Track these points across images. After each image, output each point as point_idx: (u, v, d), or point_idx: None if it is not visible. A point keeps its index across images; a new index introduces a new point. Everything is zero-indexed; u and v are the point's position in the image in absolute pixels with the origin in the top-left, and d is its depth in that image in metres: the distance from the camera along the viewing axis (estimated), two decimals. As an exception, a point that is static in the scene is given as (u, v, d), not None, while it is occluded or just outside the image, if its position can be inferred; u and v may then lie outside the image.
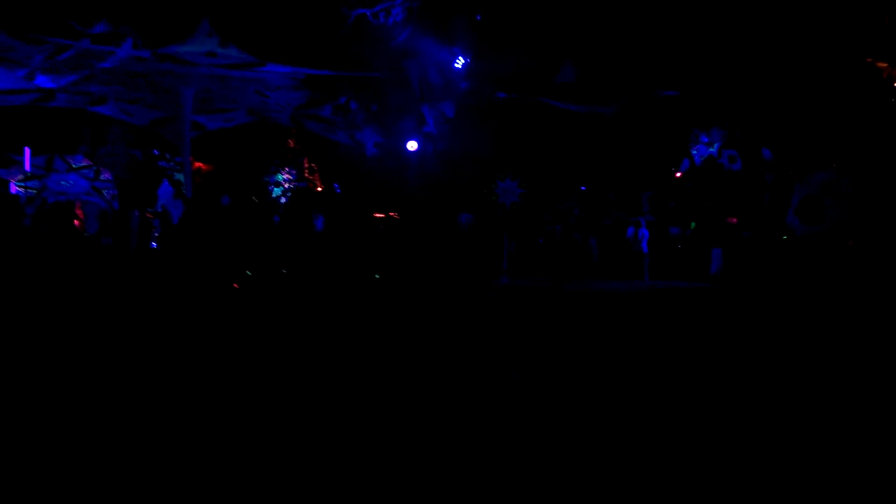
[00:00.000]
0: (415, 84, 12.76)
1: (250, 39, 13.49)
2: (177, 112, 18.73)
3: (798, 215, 20.13)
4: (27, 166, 23.68)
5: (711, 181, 25.46)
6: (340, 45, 13.83)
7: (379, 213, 18.20)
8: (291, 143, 28.51)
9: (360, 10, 10.90)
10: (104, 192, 25.73)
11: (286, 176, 29.17)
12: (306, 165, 29.03)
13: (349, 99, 17.19)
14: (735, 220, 24.46)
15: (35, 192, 24.55)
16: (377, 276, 13.65)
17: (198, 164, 25.41)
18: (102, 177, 25.70)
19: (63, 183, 25.01)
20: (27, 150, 23.17)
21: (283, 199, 29.04)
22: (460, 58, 9.44)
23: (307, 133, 25.50)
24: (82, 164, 25.11)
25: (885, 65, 13.47)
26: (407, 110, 15.32)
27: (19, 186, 24.43)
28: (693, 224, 21.23)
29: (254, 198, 24.47)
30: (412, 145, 16.27)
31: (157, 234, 23.27)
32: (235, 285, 12.94)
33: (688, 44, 13.71)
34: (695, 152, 23.63)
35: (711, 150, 25.02)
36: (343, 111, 17.55)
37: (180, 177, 25.64)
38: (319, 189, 29.66)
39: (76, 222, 23.39)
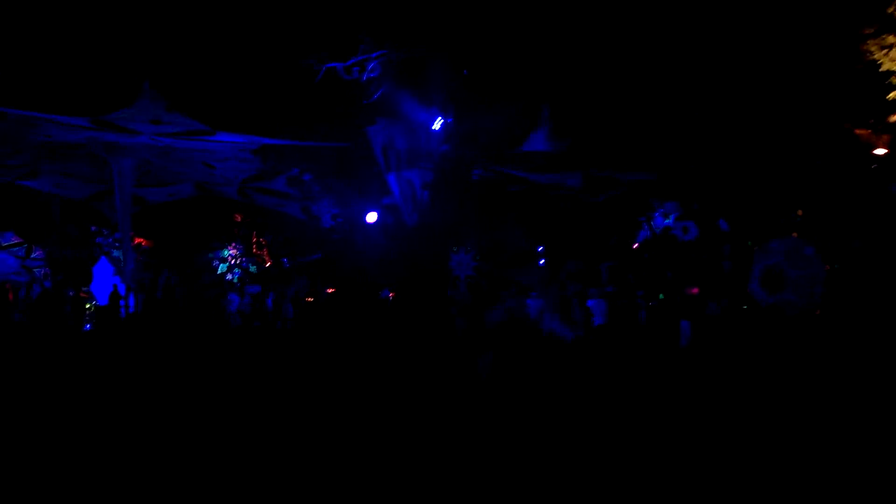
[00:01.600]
0: (377, 151, 12.09)
1: (200, 104, 12.61)
2: (116, 186, 17.50)
3: (762, 285, 19.99)
4: (-49, 245, 21.93)
5: (668, 252, 25.38)
6: (300, 107, 13.09)
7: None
8: (238, 218, 27.48)
9: (331, 63, 10.26)
10: (35, 270, 23.99)
11: (232, 251, 27.98)
12: (254, 240, 27.94)
13: (303, 170, 16.36)
14: (696, 290, 24.23)
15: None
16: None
17: (138, 240, 24.00)
18: (34, 255, 24.05)
19: (-9, 262, 23.23)
20: (-48, 228, 21.51)
21: (228, 276, 27.75)
22: (439, 118, 8.84)
23: (255, 207, 24.52)
24: (12, 242, 23.48)
25: (865, 132, 13.59)
26: (367, 180, 14.61)
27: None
28: (661, 296, 20.84)
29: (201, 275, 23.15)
30: (372, 217, 15.46)
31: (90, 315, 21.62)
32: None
33: (655, 116, 13.62)
34: (651, 223, 23.60)
35: (667, 221, 25.06)
36: (297, 183, 16.68)
37: (117, 254, 24.24)
38: (268, 264, 28.48)
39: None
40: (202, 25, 12.42)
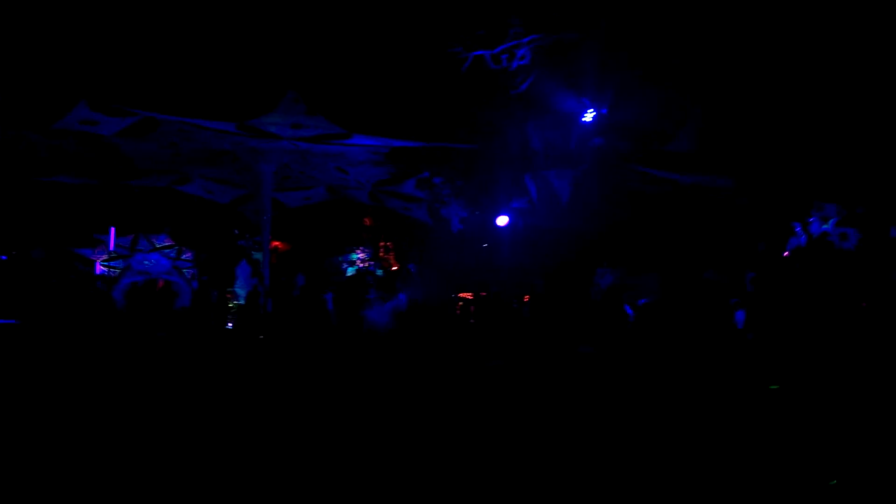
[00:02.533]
0: (514, 151, 11.64)
1: (337, 106, 12.81)
2: (257, 190, 18.33)
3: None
4: (111, 246, 23.95)
5: (822, 261, 22.96)
6: (434, 107, 12.93)
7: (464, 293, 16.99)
8: (368, 222, 28.02)
9: (480, 51, 9.90)
10: (184, 270, 25.74)
11: (360, 255, 28.58)
12: (382, 244, 28.39)
13: (433, 172, 16.28)
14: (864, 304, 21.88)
15: (119, 271, 24.79)
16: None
17: (275, 243, 25.06)
18: (184, 256, 25.83)
19: (146, 262, 25.15)
20: (112, 230, 23.47)
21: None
22: (590, 110, 8.18)
23: (383, 211, 24.90)
24: (165, 244, 25.34)
25: None
26: (499, 182, 14.24)
27: (104, 266, 24.69)
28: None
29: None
30: (502, 220, 15.04)
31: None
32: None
33: (816, 112, 12.17)
34: (808, 228, 21.42)
35: (826, 226, 22.69)
36: (427, 185, 16.64)
37: (258, 256, 25.48)
38: (395, 268, 28.83)
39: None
40: (341, 21, 12.58)
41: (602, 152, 7.85)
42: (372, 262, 28.12)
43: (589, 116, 8.09)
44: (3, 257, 20.66)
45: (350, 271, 28.89)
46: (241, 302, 22.35)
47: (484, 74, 9.46)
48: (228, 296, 23.84)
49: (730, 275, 24.37)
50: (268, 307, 19.43)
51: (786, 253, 24.75)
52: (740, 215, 21.88)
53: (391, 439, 6.50)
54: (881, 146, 16.90)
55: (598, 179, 7.84)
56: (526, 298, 20.44)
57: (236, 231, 25.20)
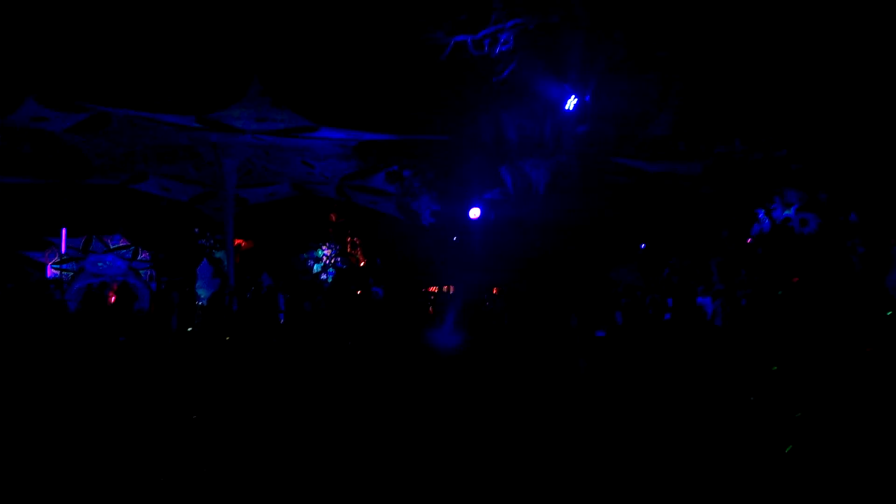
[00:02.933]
0: (488, 140, 11.35)
1: (304, 99, 12.30)
2: (218, 187, 17.66)
3: (904, 278, 18.05)
4: (63, 248, 22.92)
5: (784, 247, 23.39)
6: (403, 99, 12.52)
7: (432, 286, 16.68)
8: (333, 218, 27.50)
9: (461, 36, 9.52)
10: (142, 272, 24.79)
11: (326, 252, 28.05)
12: (349, 240, 27.92)
13: (403, 165, 15.90)
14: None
15: (72, 274, 23.74)
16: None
17: (238, 241, 24.37)
18: (140, 257, 24.86)
19: (100, 264, 24.13)
20: (64, 232, 22.44)
21: (323, 276, 27.84)
22: (573, 97, 7.88)
23: (350, 206, 24.42)
24: (120, 245, 24.34)
25: None
26: (472, 173, 13.94)
27: (55, 269, 23.63)
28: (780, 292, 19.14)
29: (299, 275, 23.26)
30: (475, 213, 14.77)
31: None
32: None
33: (790, 94, 12.19)
34: (771, 214, 21.77)
35: (788, 212, 23.11)
36: (396, 179, 16.25)
37: (220, 255, 24.71)
38: (362, 264, 28.41)
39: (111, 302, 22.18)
40: (308, 7, 12.04)
41: (586, 140, 7.61)
42: (339, 259, 27.64)
43: (571, 104, 7.83)
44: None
45: (316, 268, 28.37)
46: (203, 303, 21.65)
47: (457, 63, 9.13)
48: (189, 297, 23.09)
49: (695, 262, 24.66)
50: (233, 307, 18.81)
51: (749, 239, 25.18)
52: (703, 203, 22.09)
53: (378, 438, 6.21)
54: (850, 134, 17.19)
55: (580, 169, 7.61)
56: (494, 291, 20.28)
57: (196, 230, 24.35)
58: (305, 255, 28.24)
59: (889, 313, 17.34)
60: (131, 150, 16.18)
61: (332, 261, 28.18)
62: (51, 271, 23.16)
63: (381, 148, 15.25)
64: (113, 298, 23.16)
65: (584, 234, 13.17)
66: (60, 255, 23.12)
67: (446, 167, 14.54)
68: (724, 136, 12.70)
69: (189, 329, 19.55)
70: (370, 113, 13.10)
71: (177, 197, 21.13)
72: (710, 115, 11.99)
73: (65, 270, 23.23)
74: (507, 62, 8.45)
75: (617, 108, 8.16)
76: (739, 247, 24.50)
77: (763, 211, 21.15)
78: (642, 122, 9.81)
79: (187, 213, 22.94)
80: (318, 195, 21.80)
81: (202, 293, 22.83)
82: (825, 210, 21.77)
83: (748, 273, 24.01)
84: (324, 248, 27.78)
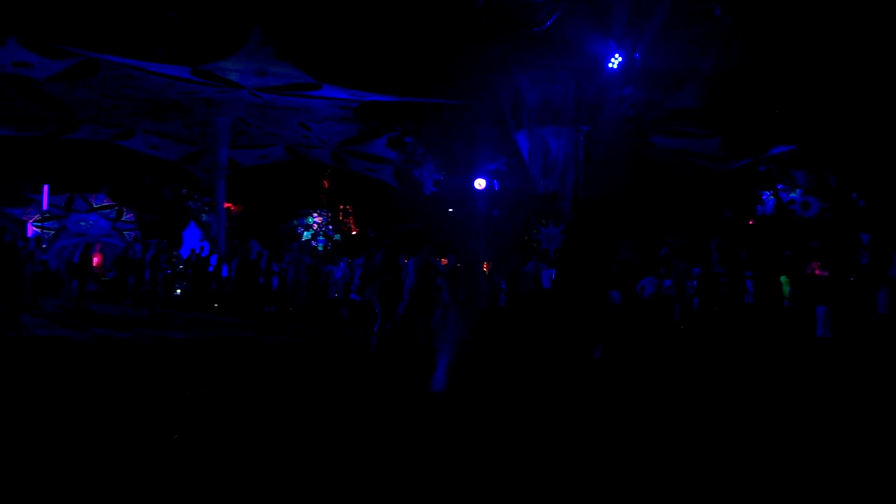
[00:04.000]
0: (505, 106, 10.69)
1: (308, 53, 11.49)
2: (209, 146, 16.83)
3: (910, 269, 17.78)
4: (45, 205, 22.05)
5: (786, 229, 23.06)
6: (413, 58, 11.67)
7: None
8: (326, 184, 26.72)
9: None
10: (125, 233, 23.96)
11: (317, 219, 27.34)
12: (341, 208, 27.19)
13: (406, 132, 15.15)
14: (824, 272, 22.08)
15: (53, 233, 22.88)
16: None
17: (227, 205, 23.57)
18: (125, 217, 24.00)
19: (82, 223, 23.28)
20: (46, 189, 21.55)
21: (313, 243, 27.19)
22: (616, 55, 7.17)
23: (344, 173, 23.66)
24: (104, 204, 23.46)
25: None
26: (482, 141, 13.23)
27: (36, 227, 22.77)
28: (784, 279, 18.83)
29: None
30: (480, 183, 14.12)
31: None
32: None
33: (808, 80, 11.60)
34: (770, 197, 21.39)
35: (793, 194, 22.73)
36: (399, 144, 15.51)
37: (207, 218, 23.87)
38: (354, 233, 27.75)
39: (95, 264, 21.39)
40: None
41: (630, 104, 6.96)
42: (330, 227, 26.94)
43: (615, 62, 7.16)
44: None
45: (306, 235, 27.70)
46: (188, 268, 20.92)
47: (487, 14, 8.38)
48: (174, 260, 22.36)
49: (695, 242, 24.22)
50: (222, 273, 18.09)
51: (751, 221, 24.82)
52: (708, 182, 21.61)
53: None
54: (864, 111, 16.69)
55: (621, 139, 6.99)
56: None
57: (184, 191, 23.47)
58: (295, 222, 27.53)
59: None
60: (118, 104, 15.26)
61: (323, 229, 27.50)
62: (31, 229, 22.31)
63: (385, 110, 14.49)
64: (97, 260, 22.39)
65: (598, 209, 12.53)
66: (42, 213, 22.25)
67: (453, 134, 13.83)
68: (745, 116, 12.15)
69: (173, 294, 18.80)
70: (377, 71, 12.31)
71: (165, 156, 20.25)
72: (733, 92, 11.40)
73: (46, 229, 22.43)
74: (550, 10, 7.70)
75: (656, 70, 7.55)
76: (741, 228, 24.14)
77: (769, 192, 20.74)
78: (669, 90, 9.22)
79: (175, 172, 22.06)
80: (312, 160, 21.01)
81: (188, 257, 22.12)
82: (831, 195, 21.38)
83: (748, 255, 23.65)
84: (314, 215, 27.06)
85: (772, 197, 20.73)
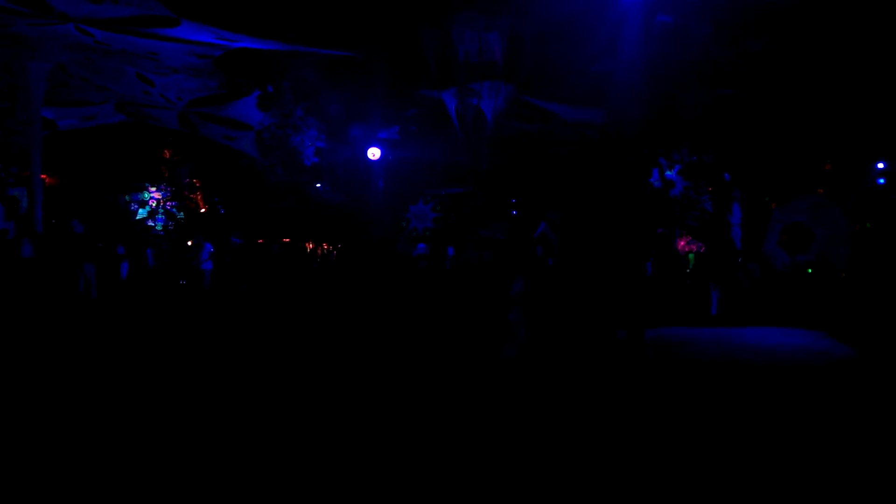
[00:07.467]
0: (430, 58, 8.73)
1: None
2: (23, 102, 13.12)
3: (782, 245, 18.33)
4: None
5: (657, 207, 23.36)
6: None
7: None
8: (168, 154, 23.01)
9: None
10: None
11: (156, 195, 23.55)
12: (187, 181, 23.61)
13: (280, 88, 12.51)
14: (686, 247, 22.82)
15: None
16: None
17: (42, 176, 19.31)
18: None
19: None
20: None
21: (149, 222, 23.47)
22: None
23: (191, 140, 20.35)
24: None
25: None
26: (385, 102, 11.08)
27: None
28: (691, 257, 18.83)
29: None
30: (374, 153, 11.99)
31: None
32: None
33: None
34: (660, 173, 21.42)
35: (670, 173, 22.95)
36: (274, 103, 12.81)
37: (16, 192, 19.58)
38: (203, 210, 24.34)
39: None
40: None
41: (669, 36, 5.46)
42: (172, 203, 23.27)
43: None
44: None
45: (142, 213, 23.83)
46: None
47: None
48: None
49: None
50: (25, 251, 14.38)
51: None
52: (590, 161, 21.19)
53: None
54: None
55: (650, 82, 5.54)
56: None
57: (-18, 158, 18.81)
58: (128, 198, 23.55)
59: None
60: None
61: (163, 205, 23.78)
62: None
63: (256, 61, 11.76)
64: None
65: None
66: None
67: (347, 93, 11.53)
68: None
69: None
70: (256, 9, 9.69)
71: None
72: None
73: None
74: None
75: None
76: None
77: (657, 169, 20.67)
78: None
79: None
80: (152, 123, 17.55)
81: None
82: (700, 173, 21.73)
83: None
84: (152, 189, 23.26)
85: (660, 178, 20.71)
